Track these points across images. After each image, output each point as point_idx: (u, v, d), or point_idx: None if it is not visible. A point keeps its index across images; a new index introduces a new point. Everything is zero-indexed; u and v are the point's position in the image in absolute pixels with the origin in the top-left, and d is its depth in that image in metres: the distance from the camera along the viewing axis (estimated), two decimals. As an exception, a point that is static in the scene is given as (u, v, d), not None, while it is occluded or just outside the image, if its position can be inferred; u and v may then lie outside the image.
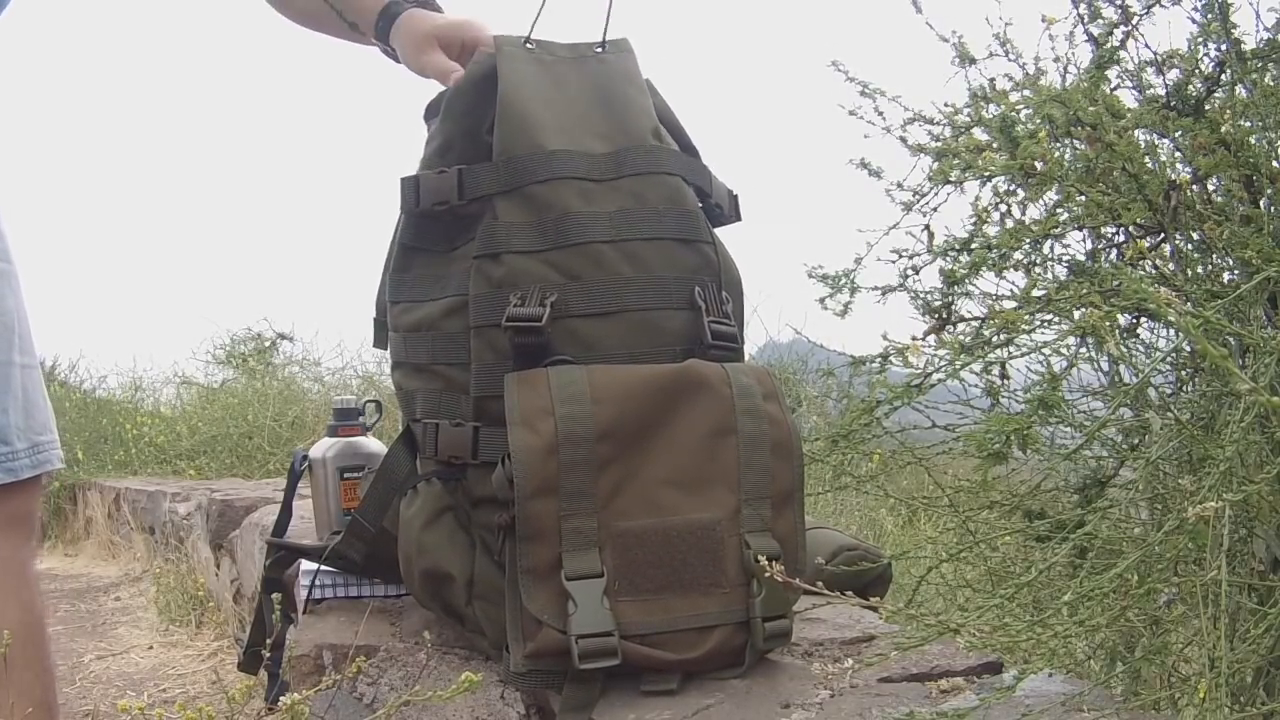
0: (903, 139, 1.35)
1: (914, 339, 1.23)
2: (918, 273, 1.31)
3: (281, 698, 0.92)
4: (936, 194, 1.31)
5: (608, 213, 1.03)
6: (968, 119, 1.32)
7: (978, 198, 1.29)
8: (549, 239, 1.03)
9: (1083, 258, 1.23)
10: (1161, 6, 1.14)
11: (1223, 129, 1.06)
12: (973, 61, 1.32)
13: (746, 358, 1.12)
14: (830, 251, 1.35)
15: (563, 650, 0.90)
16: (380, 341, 1.20)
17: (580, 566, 0.92)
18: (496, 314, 1.01)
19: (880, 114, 1.35)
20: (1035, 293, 1.19)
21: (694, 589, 0.94)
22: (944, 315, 1.30)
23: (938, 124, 1.34)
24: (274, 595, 1.20)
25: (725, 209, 1.15)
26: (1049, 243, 1.22)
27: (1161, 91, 1.16)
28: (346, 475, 1.40)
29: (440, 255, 1.09)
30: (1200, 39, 1.12)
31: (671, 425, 0.98)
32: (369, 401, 1.49)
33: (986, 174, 1.21)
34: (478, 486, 1.05)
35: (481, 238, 1.04)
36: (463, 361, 1.05)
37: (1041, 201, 1.25)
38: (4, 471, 1.10)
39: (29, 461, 1.13)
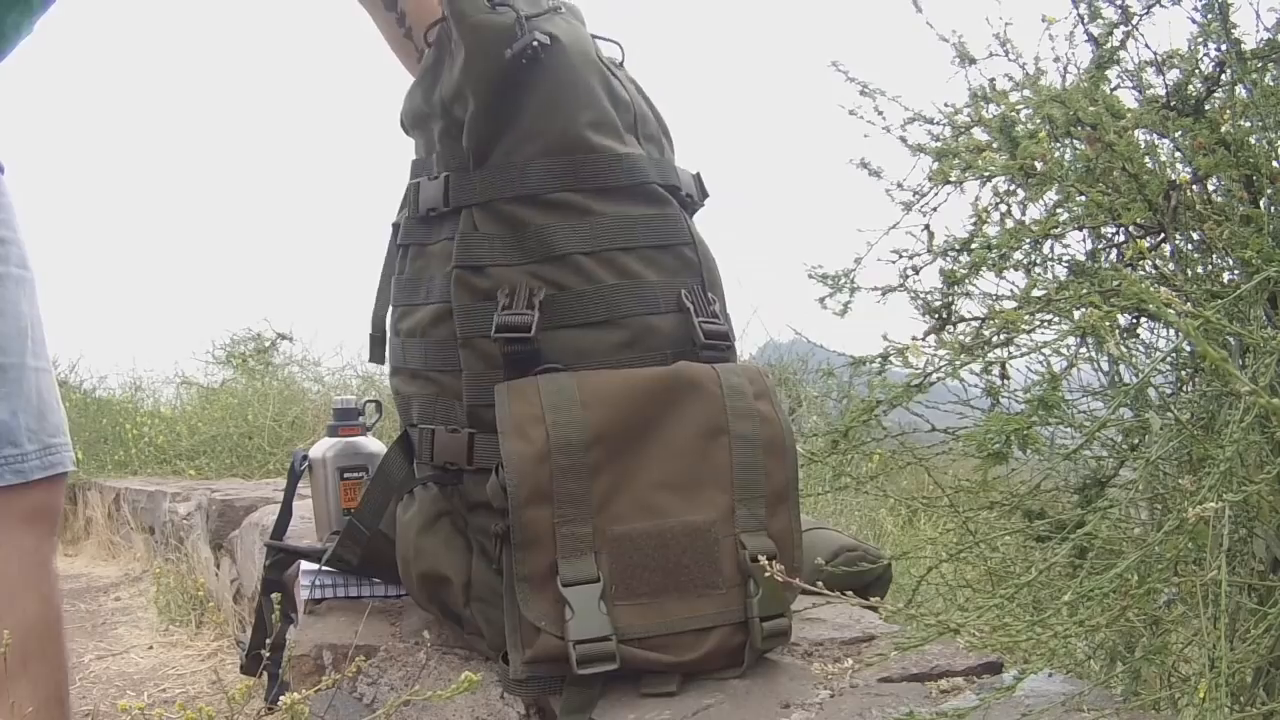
0: (903, 139, 1.35)
1: (914, 339, 1.23)
2: (918, 273, 1.31)
3: (281, 698, 0.92)
4: (936, 194, 1.31)
5: (586, 224, 1.03)
6: (968, 119, 1.32)
7: (978, 198, 1.29)
8: (530, 251, 1.02)
9: (1083, 258, 1.23)
10: (1161, 6, 1.14)
11: (1223, 129, 1.06)
12: (973, 61, 1.32)
13: (746, 358, 1.12)
14: (830, 251, 1.35)
15: (561, 656, 0.90)
16: (377, 356, 1.20)
17: (576, 572, 0.92)
18: (483, 324, 1.01)
19: (880, 114, 1.35)
20: (1035, 293, 1.18)
21: (691, 591, 0.94)
22: (944, 315, 1.30)
23: (938, 124, 1.34)
24: (274, 596, 1.20)
25: (695, 196, 1.15)
26: (1049, 243, 1.22)
27: (1161, 91, 1.16)
28: (346, 475, 1.40)
29: (421, 248, 1.10)
30: (1200, 39, 1.11)
31: (663, 428, 0.97)
32: (369, 401, 1.49)
33: (986, 174, 1.21)
34: (474, 491, 1.05)
35: (460, 247, 1.03)
36: (454, 369, 1.05)
37: (1041, 201, 1.25)
38: (13, 473, 1.11)
39: (39, 463, 1.14)
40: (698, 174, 1.16)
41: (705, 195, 1.17)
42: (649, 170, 1.08)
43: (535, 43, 1.00)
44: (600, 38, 1.13)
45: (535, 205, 1.03)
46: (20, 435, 1.12)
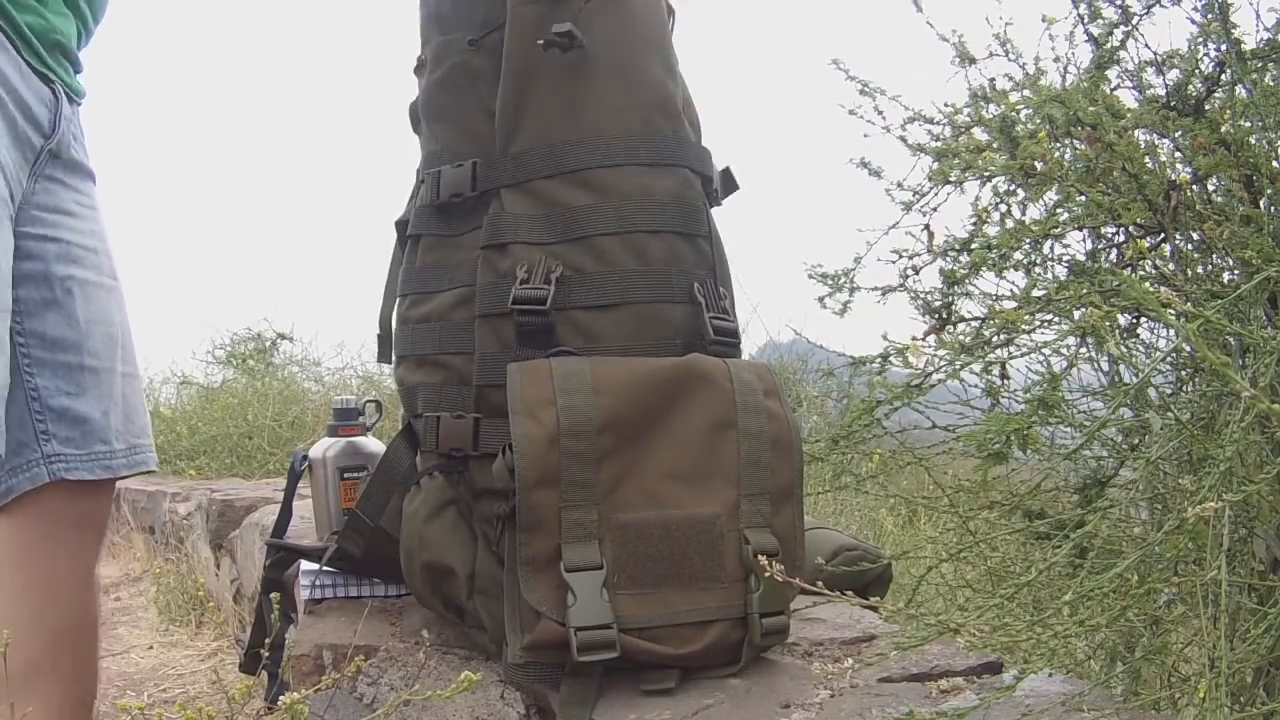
0: (903, 138, 1.35)
1: (914, 339, 1.23)
2: (918, 273, 1.31)
3: (281, 697, 0.92)
4: (936, 194, 1.31)
5: (614, 205, 1.04)
6: (968, 119, 1.32)
7: (978, 198, 1.29)
8: (556, 231, 1.04)
9: (1083, 258, 1.23)
10: (1161, 6, 1.14)
11: (1223, 129, 1.06)
12: (973, 61, 1.32)
13: (747, 357, 1.12)
14: (830, 251, 1.36)
15: (561, 642, 0.90)
16: (385, 355, 1.20)
17: (580, 558, 0.92)
18: (502, 303, 1.02)
19: (880, 113, 1.35)
20: (1035, 293, 1.19)
21: (693, 583, 0.94)
22: (944, 315, 1.30)
23: (938, 123, 1.34)
24: (273, 595, 1.20)
25: (720, 190, 1.16)
26: (1049, 243, 1.22)
27: (1161, 91, 1.16)
28: (347, 475, 1.40)
29: (444, 239, 1.10)
30: (1200, 39, 1.11)
31: (673, 418, 0.98)
32: (369, 401, 1.49)
33: (986, 174, 1.21)
34: (480, 478, 1.05)
35: (489, 228, 1.05)
36: (468, 351, 1.06)
37: (1041, 201, 1.25)
38: (102, 469, 1.15)
39: (126, 461, 1.17)
40: (726, 168, 1.17)
41: (732, 190, 1.17)
42: (689, 155, 1.09)
43: (561, 36, 1.01)
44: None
45: (568, 182, 1.04)
46: (110, 434, 1.16)
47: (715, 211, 1.15)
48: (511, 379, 0.97)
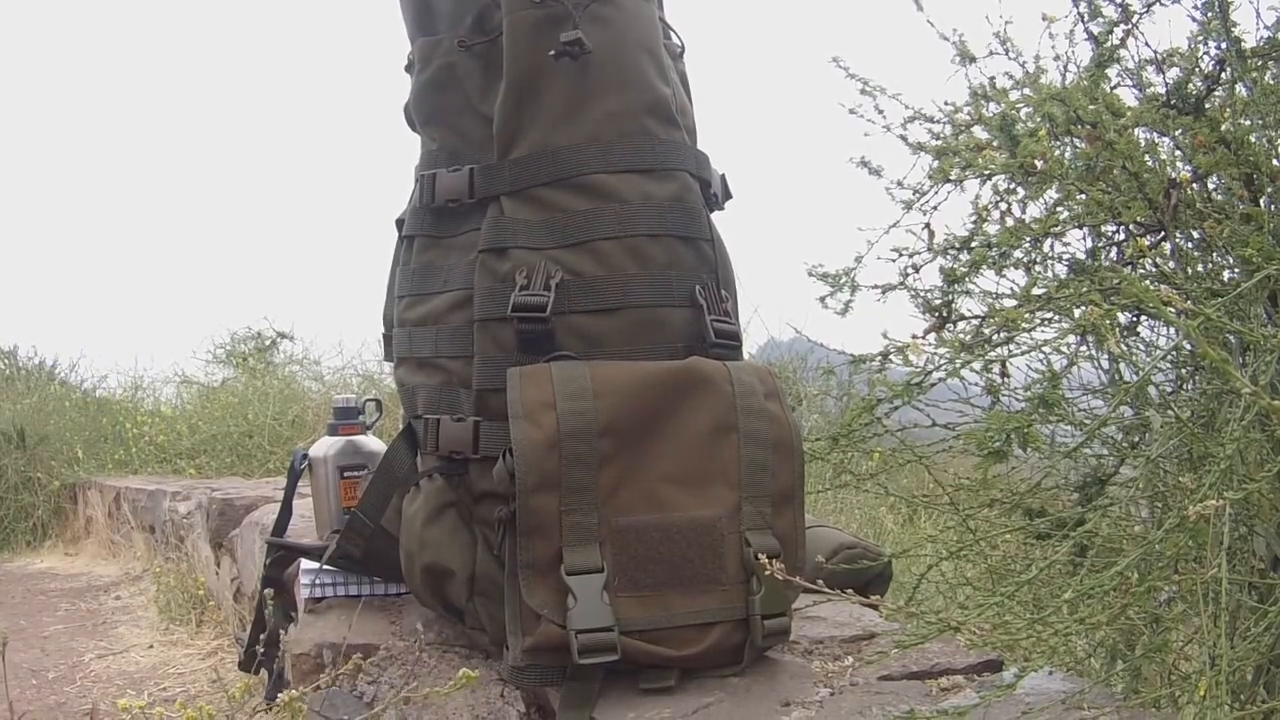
0: (903, 137, 1.35)
1: (914, 337, 1.23)
2: (918, 271, 1.31)
3: (279, 695, 0.92)
4: (937, 192, 1.31)
5: (615, 209, 1.04)
6: (968, 117, 1.32)
7: (978, 196, 1.29)
8: (556, 236, 1.03)
9: (1083, 256, 1.23)
10: (1161, 5, 1.14)
11: (1223, 127, 1.06)
12: (973, 60, 1.32)
13: (747, 356, 1.12)
14: (830, 250, 1.35)
15: (562, 645, 0.90)
16: (390, 354, 1.20)
17: (580, 561, 0.92)
18: (501, 308, 1.02)
19: (880, 112, 1.35)
20: (1035, 291, 1.18)
21: (694, 586, 0.94)
22: (944, 313, 1.30)
23: (938, 122, 1.34)
24: (267, 592, 1.20)
25: (719, 196, 1.16)
26: (1049, 241, 1.22)
27: (1162, 90, 1.16)
28: (347, 474, 1.40)
29: (438, 239, 1.10)
30: (1200, 37, 1.11)
31: (673, 422, 0.98)
32: (369, 400, 1.49)
33: (987, 172, 1.21)
34: (480, 482, 1.05)
35: (488, 232, 1.05)
36: (466, 355, 1.06)
37: (1042, 200, 1.25)
38: None
39: None
40: (723, 175, 1.17)
41: (729, 197, 1.18)
42: (687, 159, 1.09)
43: (571, 44, 1.02)
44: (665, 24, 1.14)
45: (569, 188, 1.04)
46: None
47: (716, 212, 1.15)
48: (511, 383, 0.97)
